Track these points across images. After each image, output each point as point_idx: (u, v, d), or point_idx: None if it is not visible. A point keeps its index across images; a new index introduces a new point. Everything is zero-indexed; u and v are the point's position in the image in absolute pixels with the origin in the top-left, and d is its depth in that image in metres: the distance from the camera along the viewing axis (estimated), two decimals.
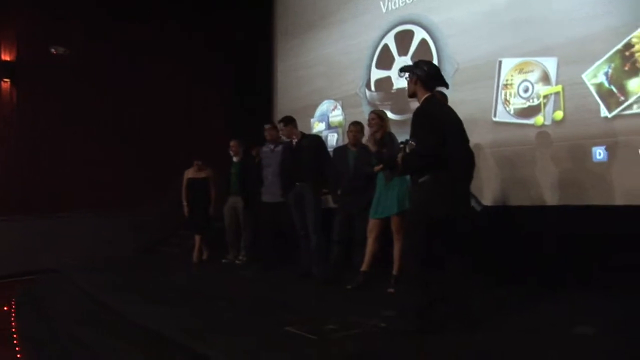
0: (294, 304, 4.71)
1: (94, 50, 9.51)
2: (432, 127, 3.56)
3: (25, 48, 9.11)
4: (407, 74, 3.85)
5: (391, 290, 5.01)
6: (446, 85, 3.97)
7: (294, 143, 6.18)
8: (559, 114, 5.37)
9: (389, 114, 6.14)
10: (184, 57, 10.21)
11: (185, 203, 7.78)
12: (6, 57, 8.98)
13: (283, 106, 9.03)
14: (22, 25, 9.08)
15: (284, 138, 6.42)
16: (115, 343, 4.02)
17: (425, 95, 3.76)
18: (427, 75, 3.77)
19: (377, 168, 5.12)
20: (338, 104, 8.00)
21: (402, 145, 3.84)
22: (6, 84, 8.97)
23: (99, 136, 9.41)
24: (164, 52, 10.03)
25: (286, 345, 3.42)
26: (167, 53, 10.06)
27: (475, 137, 5.62)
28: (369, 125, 5.28)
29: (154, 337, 3.94)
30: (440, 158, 3.53)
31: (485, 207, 5.54)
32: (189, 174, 7.82)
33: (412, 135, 3.65)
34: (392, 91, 7.07)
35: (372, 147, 5.22)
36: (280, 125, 6.27)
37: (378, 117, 5.21)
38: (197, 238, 7.79)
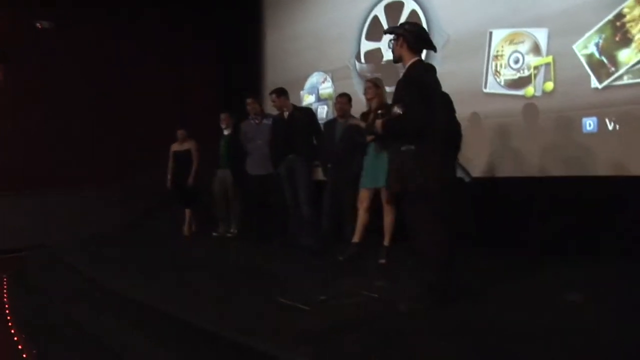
0: (285, 276, 4.73)
1: (79, 24, 9.36)
2: (422, 95, 3.35)
3: (10, 22, 8.95)
4: (392, 37, 3.63)
5: (382, 261, 5.03)
6: (434, 49, 3.77)
7: (286, 115, 6.14)
8: (550, 85, 5.37)
9: None
10: (171, 30, 10.08)
11: (168, 176, 7.73)
12: None
13: (272, 79, 8.95)
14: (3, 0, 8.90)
15: (274, 110, 6.37)
16: (106, 319, 4.04)
17: (413, 60, 3.53)
18: (413, 36, 3.54)
19: (369, 138, 5.09)
20: (328, 76, 7.95)
21: (380, 112, 3.76)
22: None
23: (86, 112, 9.33)
24: (151, 25, 9.90)
25: (278, 316, 3.44)
26: (155, 26, 9.94)
27: (465, 108, 5.68)
28: (365, 93, 5.23)
29: (145, 311, 3.95)
30: (427, 127, 3.37)
31: (475, 178, 5.55)
32: (174, 147, 7.76)
33: (397, 101, 3.46)
34: (382, 63, 7.03)
35: (361, 123, 5.16)
36: (272, 97, 6.22)
37: (374, 85, 5.16)
38: (187, 211, 7.77)
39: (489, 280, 4.32)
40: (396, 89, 3.58)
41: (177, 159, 7.68)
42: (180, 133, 7.73)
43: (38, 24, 9.13)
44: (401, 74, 3.61)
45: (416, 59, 3.54)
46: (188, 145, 7.70)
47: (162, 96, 9.85)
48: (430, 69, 3.57)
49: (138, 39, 9.73)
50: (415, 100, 3.34)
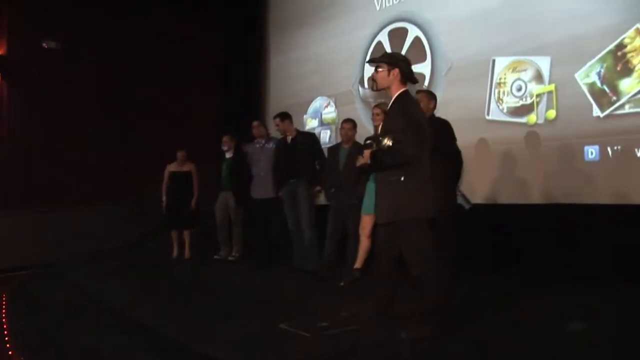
0: (286, 301, 4.71)
1: (85, 44, 9.47)
2: (417, 128, 3.42)
3: (16, 42, 9.02)
4: (383, 65, 3.57)
5: None
6: (416, 82, 3.74)
7: (289, 140, 6.18)
8: (552, 113, 5.40)
9: None
10: (176, 51, 10.17)
11: (164, 197, 7.71)
12: None
13: (275, 102, 9.01)
14: (13, 18, 8.99)
15: (278, 134, 6.41)
16: (106, 337, 4.02)
17: (400, 91, 3.55)
18: (408, 69, 3.58)
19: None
20: (331, 101, 8.00)
21: (368, 142, 3.75)
22: None
23: (90, 130, 9.38)
24: (156, 46, 9.99)
25: (279, 343, 3.42)
26: (159, 47, 10.03)
27: (468, 135, 5.70)
28: (373, 120, 5.24)
29: (145, 331, 3.94)
30: (417, 158, 3.43)
31: (478, 205, 5.55)
32: (172, 167, 7.75)
33: (387, 133, 3.47)
34: None
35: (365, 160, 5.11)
36: (276, 121, 6.26)
37: (382, 112, 5.18)
38: (174, 234, 7.74)
39: (490, 306, 4.31)
40: (386, 120, 3.64)
41: (175, 180, 7.67)
42: (180, 155, 7.74)
43: (45, 44, 9.21)
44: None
45: (404, 89, 3.57)
46: (188, 167, 7.71)
47: (164, 118, 9.91)
48: (416, 101, 3.64)
49: (142, 61, 9.81)
50: (409, 131, 3.38)
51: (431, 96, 4.80)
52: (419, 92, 4.91)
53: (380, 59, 3.64)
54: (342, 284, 5.23)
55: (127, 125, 9.64)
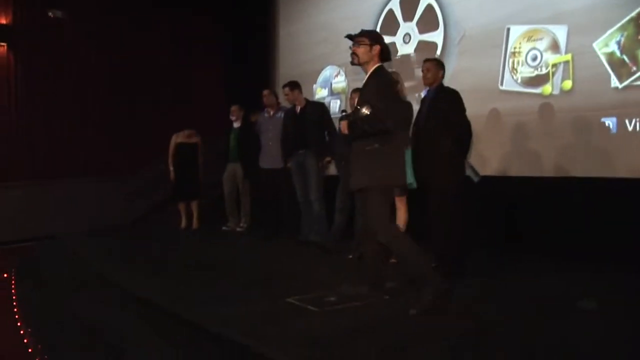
0: (295, 274, 4.66)
1: (91, 13, 9.33)
2: (394, 98, 3.62)
3: (22, 11, 8.92)
4: (364, 41, 3.65)
5: (394, 260, 4.94)
6: (390, 60, 3.85)
7: (298, 109, 6.07)
8: (568, 84, 5.24)
9: None
10: (182, 20, 10.02)
11: (171, 168, 7.63)
12: (2, 21, 8.79)
13: (285, 72, 8.86)
14: None
15: (287, 103, 6.29)
16: (111, 314, 3.99)
17: (377, 65, 3.68)
18: (386, 48, 3.72)
19: None
20: (341, 70, 7.85)
21: (343, 113, 3.88)
22: (2, 48, 8.78)
23: (97, 101, 9.32)
24: (162, 15, 9.85)
25: (286, 318, 3.37)
26: (166, 16, 9.90)
27: (480, 105, 5.58)
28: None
29: (150, 307, 3.89)
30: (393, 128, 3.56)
31: (489, 176, 5.45)
32: (178, 138, 7.65)
33: (364, 103, 3.55)
34: (397, 57, 6.88)
35: None
36: (285, 90, 6.14)
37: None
38: (182, 205, 7.69)
39: (503, 282, 4.25)
40: (363, 92, 3.72)
41: (182, 152, 7.58)
42: (189, 131, 7.65)
43: (50, 13, 9.08)
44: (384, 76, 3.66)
45: (380, 64, 3.69)
46: (195, 139, 7.63)
47: (172, 88, 9.79)
48: (391, 76, 3.81)
49: (149, 30, 9.72)
50: (386, 101, 3.51)
51: (439, 65, 4.66)
52: (426, 60, 4.77)
53: (362, 34, 3.72)
54: (350, 256, 5.17)
55: (134, 97, 9.54)
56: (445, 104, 4.42)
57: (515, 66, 5.66)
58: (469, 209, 4.49)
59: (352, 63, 3.78)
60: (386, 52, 3.71)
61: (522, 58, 5.61)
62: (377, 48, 3.65)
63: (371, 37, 3.68)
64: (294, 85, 6.11)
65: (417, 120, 4.66)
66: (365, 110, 3.51)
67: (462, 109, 4.42)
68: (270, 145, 6.46)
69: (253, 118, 7.15)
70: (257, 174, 6.75)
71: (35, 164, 8.82)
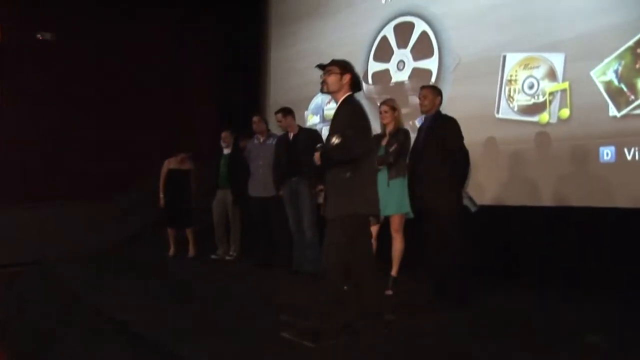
0: (288, 305, 4.47)
1: (80, 37, 9.23)
2: (363, 127, 3.58)
3: (9, 33, 8.81)
4: (335, 69, 3.65)
5: (389, 292, 4.81)
6: (360, 90, 3.84)
7: (291, 136, 5.96)
8: (565, 112, 5.18)
9: None
10: (173, 44, 9.94)
11: (162, 195, 7.45)
12: None
13: (276, 98, 8.78)
14: (5, 8, 8.76)
15: (279, 129, 6.18)
16: (95, 343, 3.79)
17: (347, 94, 3.69)
18: (357, 78, 3.74)
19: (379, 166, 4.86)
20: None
21: (319, 146, 3.80)
22: None
23: (84, 125, 9.13)
24: (152, 40, 9.76)
25: (282, 354, 3.20)
26: (156, 40, 9.80)
27: (476, 133, 5.49)
28: (381, 117, 5.01)
29: (135, 338, 3.72)
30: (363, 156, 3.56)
31: (486, 206, 5.36)
32: (171, 164, 7.49)
33: (335, 132, 3.56)
34: (391, 84, 6.86)
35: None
36: (278, 116, 6.04)
37: (390, 109, 4.95)
38: (172, 232, 7.49)
39: (502, 312, 4.13)
40: (333, 121, 3.71)
41: (174, 178, 7.42)
42: (182, 157, 7.49)
43: (39, 35, 8.99)
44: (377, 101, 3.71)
45: (350, 93, 3.70)
46: (188, 166, 7.48)
47: (161, 112, 9.65)
48: (361, 105, 3.73)
49: (138, 54, 9.57)
50: (355, 130, 3.50)
51: (437, 92, 4.60)
52: (423, 87, 4.72)
53: (332, 63, 3.70)
54: (345, 287, 5.00)
55: (123, 121, 9.38)
56: (443, 131, 4.35)
57: (511, 94, 5.61)
58: (466, 239, 4.37)
59: (322, 91, 3.80)
60: (356, 82, 3.73)
61: (518, 86, 5.55)
62: (347, 77, 3.66)
63: (341, 66, 3.68)
64: (287, 112, 6.02)
65: (414, 148, 4.58)
66: (335, 140, 3.51)
67: (460, 136, 4.35)
68: (261, 172, 6.32)
69: (242, 144, 7.02)
70: (247, 202, 6.60)
71: (22, 186, 8.59)
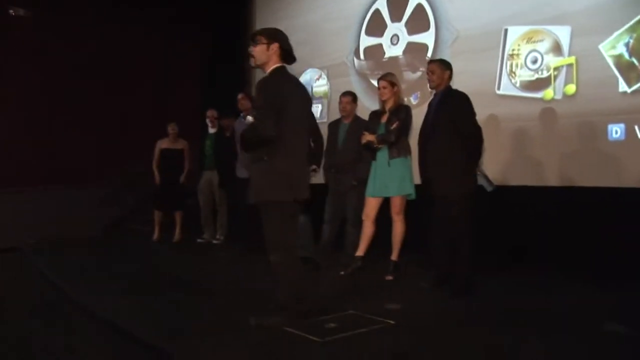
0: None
1: (57, 12, 8.71)
2: (276, 105, 3.22)
3: None
4: (262, 39, 3.34)
5: (390, 277, 4.58)
6: (294, 61, 3.47)
7: None
8: (571, 88, 4.95)
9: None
10: (157, 20, 9.48)
11: (156, 174, 7.11)
12: None
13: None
14: None
15: None
16: (73, 340, 3.49)
17: (276, 66, 3.36)
18: (287, 46, 3.38)
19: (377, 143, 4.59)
20: (323, 73, 7.46)
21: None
22: None
23: (63, 105, 8.65)
24: (135, 16, 9.26)
25: (289, 351, 2.93)
26: (139, 16, 9.31)
27: (477, 111, 5.13)
28: (380, 94, 4.72)
29: (119, 335, 3.42)
30: (276, 139, 3.22)
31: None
32: (163, 144, 7.16)
33: (252, 109, 3.37)
34: (384, 59, 6.56)
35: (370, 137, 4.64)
36: None
37: (390, 84, 4.65)
38: (158, 215, 7.17)
39: (509, 300, 3.93)
40: (256, 94, 3.45)
41: (166, 158, 7.07)
42: (171, 128, 7.16)
43: (11, 11, 8.50)
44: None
45: (280, 65, 3.38)
46: (181, 145, 7.15)
47: (146, 92, 9.21)
48: (291, 78, 3.45)
49: (121, 32, 9.07)
50: (267, 108, 3.22)
51: (445, 65, 4.31)
52: (431, 62, 4.46)
53: (259, 32, 3.42)
54: (342, 272, 4.76)
55: (103, 102, 8.87)
56: (453, 108, 4.07)
57: (513, 69, 5.35)
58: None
59: (251, 65, 3.50)
60: (287, 52, 3.38)
61: (521, 61, 5.30)
62: (275, 46, 3.33)
63: (268, 35, 3.36)
64: None
65: (423, 127, 4.30)
66: (250, 118, 3.32)
67: (471, 112, 4.09)
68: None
69: (224, 122, 6.68)
70: (234, 183, 6.29)
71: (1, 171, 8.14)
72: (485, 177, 4.21)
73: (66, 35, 8.71)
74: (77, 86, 8.71)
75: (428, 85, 4.41)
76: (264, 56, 3.33)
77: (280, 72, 3.35)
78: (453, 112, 4.08)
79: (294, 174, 3.33)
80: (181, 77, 9.71)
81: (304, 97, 3.54)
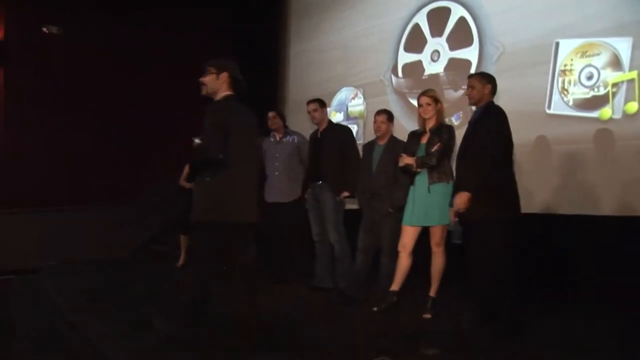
0: (310, 332, 3.84)
1: (88, 29, 8.71)
2: (218, 126, 3.38)
3: (14, 26, 8.40)
4: (211, 69, 3.54)
5: (427, 315, 4.14)
6: (245, 91, 3.65)
7: (319, 133, 5.31)
8: (633, 106, 4.46)
9: None
10: (185, 38, 9.31)
11: (187, 186, 6.56)
12: None
13: (295, 94, 8.16)
14: (11, 1, 8.34)
15: (314, 123, 5.41)
16: None
17: (226, 93, 3.54)
18: (237, 75, 3.58)
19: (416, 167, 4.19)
20: (359, 92, 7.11)
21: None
22: None
23: (92, 123, 8.57)
24: (164, 35, 9.14)
25: None
26: (168, 36, 9.18)
27: (524, 132, 4.80)
28: (421, 111, 4.30)
29: None
30: (221, 162, 3.35)
31: (533, 215, 4.67)
32: None
33: (202, 131, 3.43)
34: (424, 77, 6.17)
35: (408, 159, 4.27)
36: (312, 106, 5.29)
37: (433, 101, 4.26)
38: (184, 239, 6.79)
39: (557, 343, 3.46)
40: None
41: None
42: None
43: (45, 29, 8.51)
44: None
45: (229, 93, 3.54)
46: None
47: (173, 110, 8.98)
48: (239, 107, 3.56)
49: (149, 48, 8.99)
50: (212, 130, 3.36)
51: (485, 80, 3.90)
52: (470, 76, 4.05)
53: (209, 64, 3.59)
54: (375, 308, 4.34)
55: (132, 120, 8.76)
56: (488, 124, 3.68)
57: (565, 86, 4.90)
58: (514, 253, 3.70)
59: (202, 93, 3.60)
60: (237, 80, 3.57)
61: (574, 77, 4.84)
62: (224, 76, 3.52)
63: (218, 66, 3.55)
64: (324, 104, 5.36)
65: (462, 146, 3.90)
66: (197, 140, 3.40)
67: (501, 129, 3.66)
68: (276, 175, 5.64)
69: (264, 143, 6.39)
70: (261, 208, 5.91)
71: (28, 190, 8.07)
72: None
73: (97, 52, 8.65)
74: (108, 107, 8.61)
75: (468, 101, 4.01)
76: (214, 85, 3.52)
77: (228, 99, 3.50)
78: (487, 127, 3.68)
79: (235, 197, 3.37)
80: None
81: (251, 125, 3.63)
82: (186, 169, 6.82)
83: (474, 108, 4.04)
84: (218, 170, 3.33)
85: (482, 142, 3.66)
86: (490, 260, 3.65)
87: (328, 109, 6.98)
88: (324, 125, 5.29)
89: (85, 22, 8.68)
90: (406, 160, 4.19)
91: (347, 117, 7.20)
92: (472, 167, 3.68)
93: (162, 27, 9.13)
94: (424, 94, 4.30)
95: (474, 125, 3.84)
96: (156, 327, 3.39)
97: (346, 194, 5.08)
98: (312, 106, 5.30)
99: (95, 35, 8.74)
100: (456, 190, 3.79)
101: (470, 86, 3.90)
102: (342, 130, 5.38)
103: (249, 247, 3.51)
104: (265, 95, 8.27)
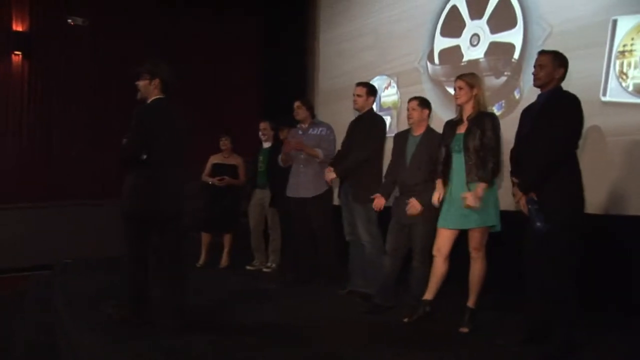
0: (331, 344, 3.43)
1: (114, 21, 8.48)
2: (144, 128, 3.64)
3: (40, 17, 8.21)
4: (145, 75, 3.76)
5: (464, 329, 3.68)
6: (171, 92, 3.88)
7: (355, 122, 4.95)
8: None
9: None
10: (210, 23, 9.09)
11: (210, 181, 6.37)
12: (18, 27, 8.04)
13: (325, 84, 7.74)
14: None
15: (354, 108, 5.00)
16: None
17: (156, 97, 3.78)
18: (169, 79, 3.81)
19: None
20: (392, 81, 6.64)
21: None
22: (17, 57, 8.06)
23: (117, 117, 8.29)
24: (189, 27, 8.90)
25: None
26: (193, 28, 8.93)
27: None
28: (455, 96, 3.85)
29: None
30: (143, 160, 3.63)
31: (589, 216, 4.13)
32: (215, 159, 6.53)
33: (129, 130, 3.67)
34: (462, 63, 5.65)
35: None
36: (359, 90, 4.87)
37: (467, 85, 3.76)
38: (206, 237, 6.50)
39: None
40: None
41: (217, 174, 6.39)
42: (224, 143, 6.50)
43: (70, 20, 8.32)
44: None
45: (159, 97, 3.78)
46: (234, 160, 6.47)
47: (197, 101, 8.70)
48: (168, 109, 3.79)
49: (175, 39, 8.70)
50: (139, 131, 3.64)
51: (558, 61, 3.52)
52: (542, 53, 3.62)
53: (143, 70, 3.77)
54: (406, 319, 3.90)
55: None
56: (560, 112, 3.22)
57: (624, 70, 4.34)
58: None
59: (138, 98, 3.81)
60: (169, 84, 3.82)
61: (634, 59, 4.28)
62: (156, 82, 3.76)
63: (150, 71, 3.76)
64: (372, 90, 4.91)
65: (518, 139, 3.44)
66: (124, 140, 3.66)
67: (580, 118, 3.34)
68: (301, 168, 5.26)
69: (282, 135, 6.02)
70: (287, 204, 5.53)
71: (51, 185, 7.97)
72: (539, 216, 3.24)
73: (122, 44, 8.45)
74: (129, 98, 8.30)
75: (533, 82, 3.56)
76: (147, 90, 3.76)
77: (158, 102, 3.75)
78: (559, 117, 3.20)
79: (158, 192, 3.60)
80: (237, 90, 9.24)
81: (180, 126, 3.82)
82: (208, 165, 6.51)
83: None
84: (142, 167, 3.60)
85: (556, 129, 3.28)
86: (554, 272, 3.19)
87: None
88: (363, 113, 4.89)
89: (111, 13, 8.47)
90: (469, 202, 3.62)
91: (380, 107, 6.72)
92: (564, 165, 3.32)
93: (191, 17, 8.89)
94: (459, 77, 3.82)
95: (541, 111, 3.42)
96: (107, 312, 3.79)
97: (333, 175, 4.80)
98: (358, 90, 4.88)
99: (122, 27, 8.53)
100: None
101: (539, 65, 3.47)
102: (370, 119, 4.90)
103: (172, 238, 3.73)
104: (294, 86, 7.92)
